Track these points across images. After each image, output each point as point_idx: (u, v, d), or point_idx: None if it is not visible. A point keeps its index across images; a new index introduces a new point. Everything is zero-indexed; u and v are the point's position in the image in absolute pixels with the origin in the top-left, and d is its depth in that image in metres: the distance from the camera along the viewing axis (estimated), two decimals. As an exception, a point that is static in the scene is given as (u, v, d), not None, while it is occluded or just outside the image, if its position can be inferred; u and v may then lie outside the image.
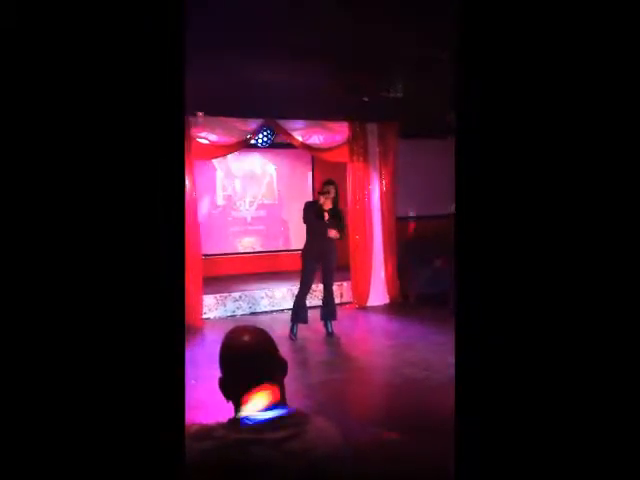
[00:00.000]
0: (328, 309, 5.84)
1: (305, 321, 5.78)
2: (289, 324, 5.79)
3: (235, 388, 1.29)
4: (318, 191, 5.65)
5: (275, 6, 3.31)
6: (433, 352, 5.02)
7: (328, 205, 5.52)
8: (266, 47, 4.05)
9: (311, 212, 5.57)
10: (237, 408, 1.29)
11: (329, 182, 5.62)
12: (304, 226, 5.75)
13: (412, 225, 8.18)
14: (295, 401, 1.34)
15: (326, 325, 5.85)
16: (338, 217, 5.63)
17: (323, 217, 5.53)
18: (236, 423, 1.26)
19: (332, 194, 5.52)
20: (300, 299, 5.76)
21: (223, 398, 1.33)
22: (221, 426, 1.26)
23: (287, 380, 1.35)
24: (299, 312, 5.76)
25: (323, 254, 5.62)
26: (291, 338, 5.67)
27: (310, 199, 7.70)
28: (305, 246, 5.73)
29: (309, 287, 5.83)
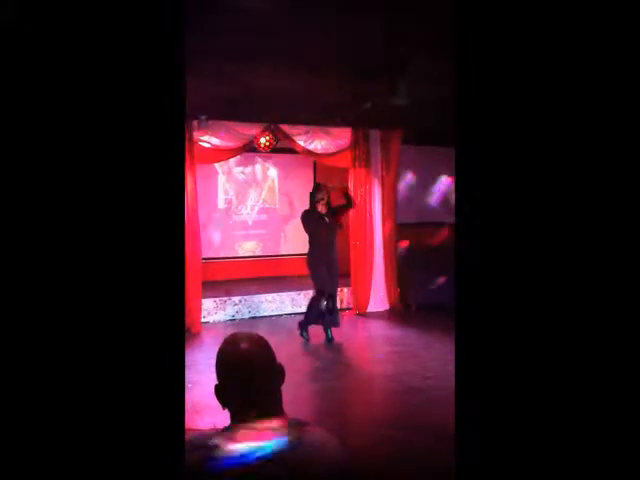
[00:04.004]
0: (332, 316, 5.85)
1: (317, 322, 5.84)
2: (297, 329, 5.86)
3: (231, 395, 1.27)
4: (313, 200, 5.69)
5: (278, 12, 3.30)
6: (436, 361, 4.98)
7: (324, 210, 5.61)
8: (270, 54, 4.04)
9: (311, 221, 5.63)
10: (233, 416, 1.26)
11: (319, 188, 5.71)
12: (304, 230, 5.80)
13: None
14: (293, 409, 1.32)
15: (327, 331, 5.84)
16: (336, 210, 5.76)
17: (324, 223, 5.59)
18: (232, 431, 1.23)
19: (326, 199, 5.62)
20: (315, 303, 5.79)
21: (219, 405, 1.30)
22: (217, 434, 1.23)
23: (285, 387, 1.32)
24: (312, 315, 5.82)
25: (328, 261, 5.69)
26: (304, 337, 5.77)
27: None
28: (310, 254, 5.76)
29: (324, 292, 5.79)
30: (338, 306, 6.51)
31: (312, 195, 5.66)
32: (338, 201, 5.86)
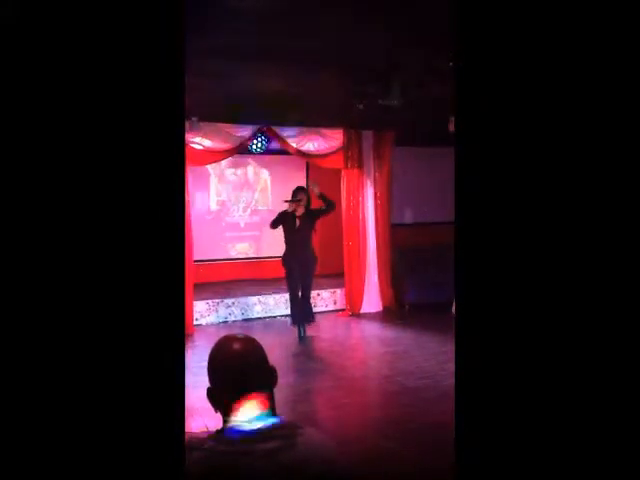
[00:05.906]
0: (304, 313, 5.98)
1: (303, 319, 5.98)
2: (293, 327, 6.00)
3: (224, 398, 1.25)
4: (290, 199, 5.75)
5: (274, 12, 3.29)
6: (430, 361, 4.99)
7: (301, 211, 5.70)
8: (263, 54, 4.02)
9: (283, 221, 5.74)
10: (226, 418, 1.25)
11: (301, 189, 5.83)
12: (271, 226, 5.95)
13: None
14: (286, 410, 1.31)
15: (299, 329, 5.99)
16: (315, 213, 5.83)
17: (295, 224, 5.70)
18: (225, 434, 1.22)
19: (304, 201, 5.71)
20: (293, 302, 5.96)
21: (212, 408, 1.29)
22: (210, 437, 1.22)
23: (278, 389, 1.31)
24: (295, 314, 5.97)
25: (302, 260, 5.81)
26: (300, 337, 5.86)
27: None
28: (285, 254, 5.95)
29: (297, 291, 5.97)
30: (332, 307, 6.53)
31: (292, 196, 5.75)
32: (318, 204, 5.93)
